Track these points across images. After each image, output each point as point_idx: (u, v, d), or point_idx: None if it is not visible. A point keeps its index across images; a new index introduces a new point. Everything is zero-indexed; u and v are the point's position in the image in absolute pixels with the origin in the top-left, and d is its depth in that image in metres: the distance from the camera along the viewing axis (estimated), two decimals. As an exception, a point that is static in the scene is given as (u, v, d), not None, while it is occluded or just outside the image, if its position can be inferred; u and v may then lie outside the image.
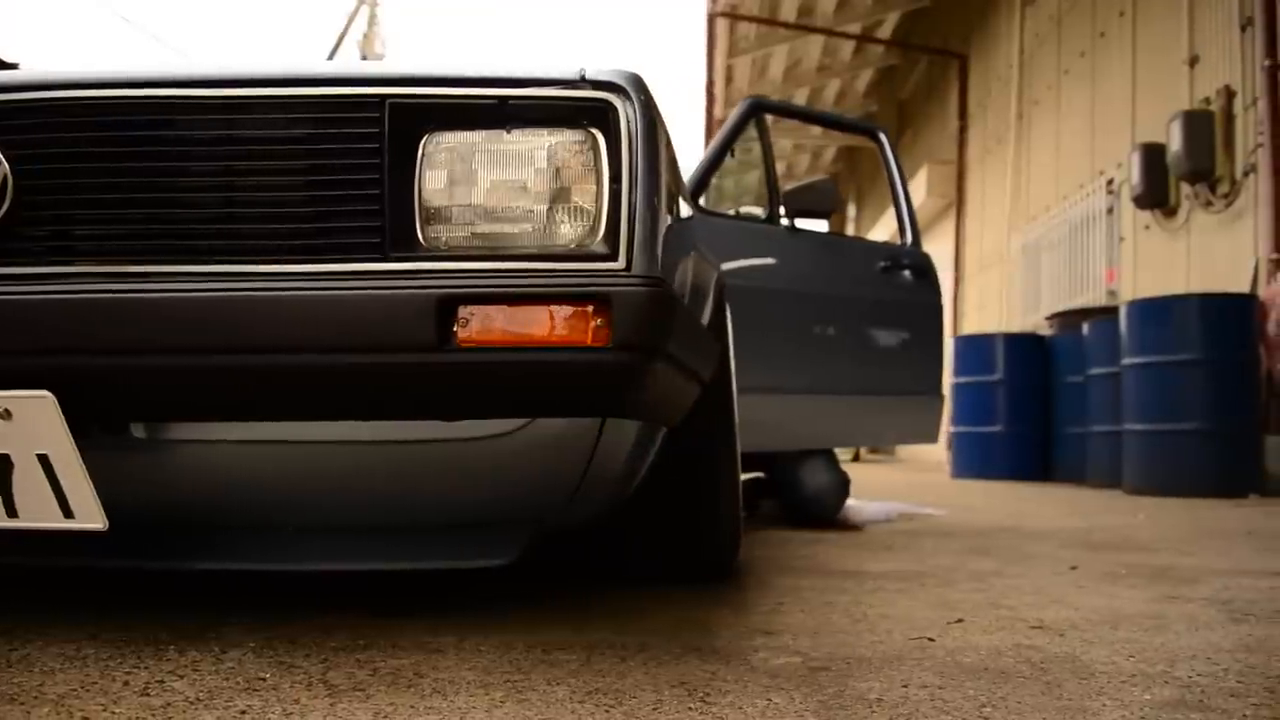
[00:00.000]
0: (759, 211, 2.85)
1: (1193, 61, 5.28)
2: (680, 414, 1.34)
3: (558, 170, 1.08)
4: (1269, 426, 4.37)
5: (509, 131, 1.09)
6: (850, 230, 14.99)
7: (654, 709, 0.95)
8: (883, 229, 12.04)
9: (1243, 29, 4.84)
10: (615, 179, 1.06)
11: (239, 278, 1.03)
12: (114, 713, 0.91)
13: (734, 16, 10.06)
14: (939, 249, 10.40)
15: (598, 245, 1.06)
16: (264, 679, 1.04)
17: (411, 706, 0.95)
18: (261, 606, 1.41)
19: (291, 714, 0.92)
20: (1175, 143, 5.05)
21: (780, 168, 13.16)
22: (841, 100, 12.98)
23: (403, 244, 1.06)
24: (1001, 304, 8.16)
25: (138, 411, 1.08)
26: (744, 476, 3.35)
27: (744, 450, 2.63)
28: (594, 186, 1.07)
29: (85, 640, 1.17)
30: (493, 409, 1.00)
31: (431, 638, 1.23)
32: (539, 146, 1.08)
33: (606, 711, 0.94)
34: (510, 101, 1.07)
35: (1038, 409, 5.80)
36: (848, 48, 11.30)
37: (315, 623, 1.29)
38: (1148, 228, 5.75)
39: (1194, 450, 4.27)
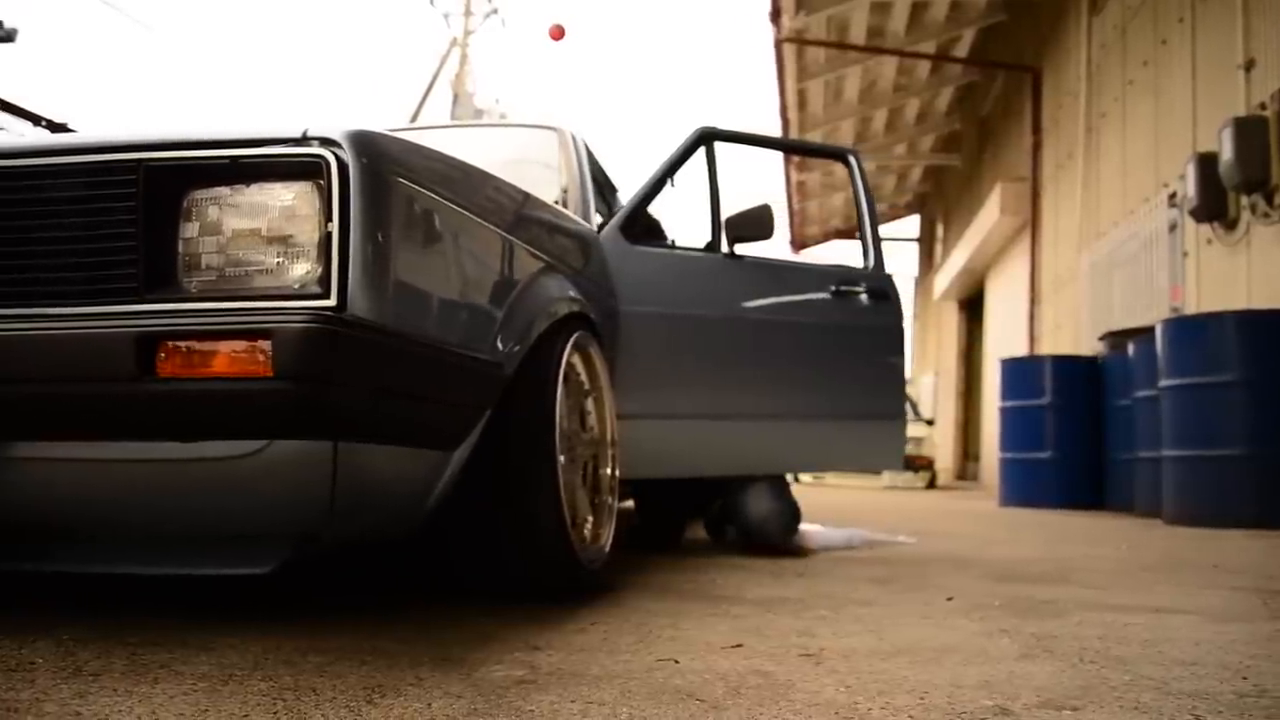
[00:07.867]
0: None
1: (1248, 65, 4.97)
2: (450, 438, 1.43)
3: (287, 219, 1.21)
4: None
5: (248, 186, 1.23)
6: (938, 250, 14.57)
7: (317, 706, 1.05)
8: (966, 246, 11.65)
9: (1296, 29, 4.53)
10: (329, 225, 1.18)
11: (18, 319, 1.21)
12: None
13: (801, 41, 10.04)
14: (1015, 269, 10.00)
15: (314, 286, 1.18)
16: (35, 664, 1.20)
17: (113, 689, 1.08)
18: (128, 609, 1.58)
19: (13, 689, 1.08)
20: (1227, 151, 4.75)
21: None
22: (923, 119, 12.70)
23: (160, 288, 1.21)
24: (1076, 324, 7.77)
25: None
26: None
27: (692, 476, 2.68)
28: (314, 233, 1.20)
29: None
30: (192, 431, 1.13)
31: (219, 637, 1.36)
32: (272, 199, 1.22)
33: (274, 703, 1.05)
34: (242, 160, 1.21)
35: (1089, 434, 5.49)
36: (924, 66, 11.07)
37: (150, 622, 1.44)
38: (1209, 242, 5.40)
39: (1234, 478, 3.98)
